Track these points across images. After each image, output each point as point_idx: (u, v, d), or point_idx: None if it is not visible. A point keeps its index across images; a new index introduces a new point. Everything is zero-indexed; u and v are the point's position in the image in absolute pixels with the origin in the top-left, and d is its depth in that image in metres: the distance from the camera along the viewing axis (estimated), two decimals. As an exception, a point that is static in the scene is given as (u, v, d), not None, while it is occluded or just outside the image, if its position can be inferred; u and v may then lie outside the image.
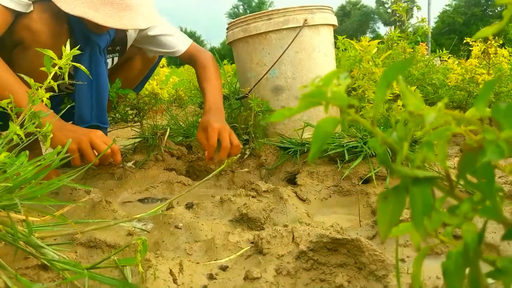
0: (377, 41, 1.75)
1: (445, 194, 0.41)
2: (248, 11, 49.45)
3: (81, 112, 1.70)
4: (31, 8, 1.48)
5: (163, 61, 2.37)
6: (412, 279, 0.46)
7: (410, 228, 0.46)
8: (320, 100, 0.36)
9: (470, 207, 0.38)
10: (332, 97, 0.36)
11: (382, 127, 1.67)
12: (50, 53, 1.13)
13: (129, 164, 1.42)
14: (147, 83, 2.24)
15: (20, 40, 1.51)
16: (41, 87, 1.13)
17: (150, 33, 1.85)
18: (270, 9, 2.12)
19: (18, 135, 1.04)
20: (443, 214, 0.39)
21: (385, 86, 0.37)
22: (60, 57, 1.13)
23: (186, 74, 4.99)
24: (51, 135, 1.15)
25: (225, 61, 4.41)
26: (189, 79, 4.00)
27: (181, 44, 1.90)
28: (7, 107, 1.05)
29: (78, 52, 1.18)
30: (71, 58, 1.16)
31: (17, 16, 1.47)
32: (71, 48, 1.16)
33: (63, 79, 1.23)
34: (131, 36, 1.87)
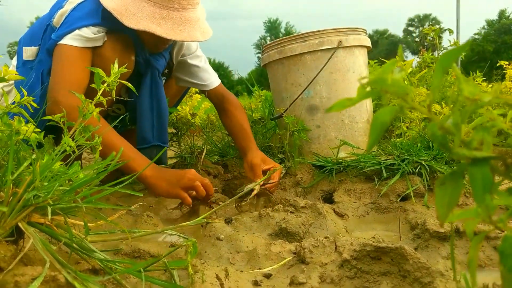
0: (413, 59, 1.77)
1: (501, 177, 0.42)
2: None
3: (143, 133, 1.81)
4: (105, 39, 1.58)
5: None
6: (469, 262, 0.47)
7: (465, 214, 0.47)
8: (381, 87, 0.38)
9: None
10: (391, 84, 0.38)
11: (419, 144, 1.67)
12: (99, 71, 1.19)
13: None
14: (181, 108, 2.31)
15: (91, 65, 1.60)
16: (91, 102, 1.19)
17: (190, 60, 1.93)
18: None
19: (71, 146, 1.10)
20: (502, 194, 0.40)
21: (442, 72, 0.39)
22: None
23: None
24: (100, 148, 1.21)
25: (256, 87, 4.47)
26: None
27: (213, 80, 1.96)
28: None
29: (125, 70, 1.25)
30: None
31: None
32: (133, 78, 1.24)
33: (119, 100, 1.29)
34: (177, 60, 1.96)
